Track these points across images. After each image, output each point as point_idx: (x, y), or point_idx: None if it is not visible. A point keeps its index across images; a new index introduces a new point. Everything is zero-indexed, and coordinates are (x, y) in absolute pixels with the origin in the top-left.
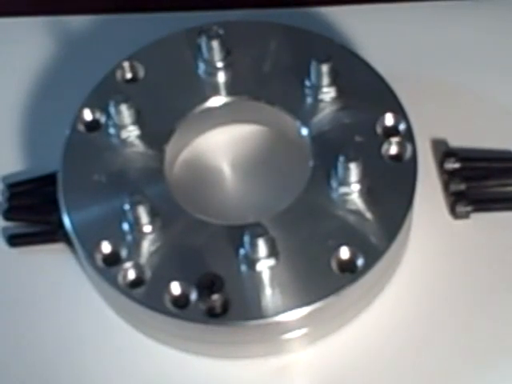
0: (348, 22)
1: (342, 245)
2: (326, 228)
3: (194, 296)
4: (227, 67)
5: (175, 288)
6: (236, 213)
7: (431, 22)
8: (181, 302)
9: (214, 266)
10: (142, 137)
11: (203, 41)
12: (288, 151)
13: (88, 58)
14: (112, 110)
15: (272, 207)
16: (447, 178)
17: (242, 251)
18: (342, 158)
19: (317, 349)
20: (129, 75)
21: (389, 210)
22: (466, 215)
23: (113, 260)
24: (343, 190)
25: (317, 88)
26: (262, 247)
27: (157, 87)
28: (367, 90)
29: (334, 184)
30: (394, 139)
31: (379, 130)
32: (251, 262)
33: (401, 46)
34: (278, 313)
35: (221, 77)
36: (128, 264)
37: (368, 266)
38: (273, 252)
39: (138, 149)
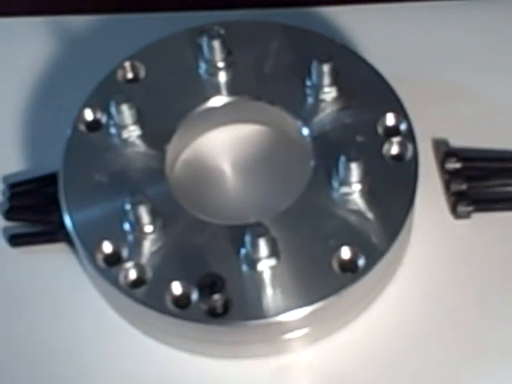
0: (349, 21)
1: (343, 245)
2: (327, 228)
3: (195, 296)
4: (228, 67)
5: (176, 288)
6: (237, 213)
7: (431, 22)
8: (182, 302)
9: (215, 265)
10: (143, 137)
11: (204, 41)
12: (289, 151)
13: (89, 57)
14: (113, 109)
15: (273, 207)
16: (448, 177)
17: (243, 251)
18: (343, 158)
19: (318, 349)
20: (130, 75)
21: (390, 209)
22: (467, 215)
23: (114, 260)
24: (344, 189)
25: (318, 88)
26: (263, 247)
27: (158, 87)
28: (368, 90)
29: (335, 184)
30: (395, 139)
31: (380, 129)
32: (252, 261)
33: (402, 46)
34: (278, 313)
35: (222, 77)
36: (129, 264)
37: (369, 265)
38: (274, 252)
39: (139, 149)
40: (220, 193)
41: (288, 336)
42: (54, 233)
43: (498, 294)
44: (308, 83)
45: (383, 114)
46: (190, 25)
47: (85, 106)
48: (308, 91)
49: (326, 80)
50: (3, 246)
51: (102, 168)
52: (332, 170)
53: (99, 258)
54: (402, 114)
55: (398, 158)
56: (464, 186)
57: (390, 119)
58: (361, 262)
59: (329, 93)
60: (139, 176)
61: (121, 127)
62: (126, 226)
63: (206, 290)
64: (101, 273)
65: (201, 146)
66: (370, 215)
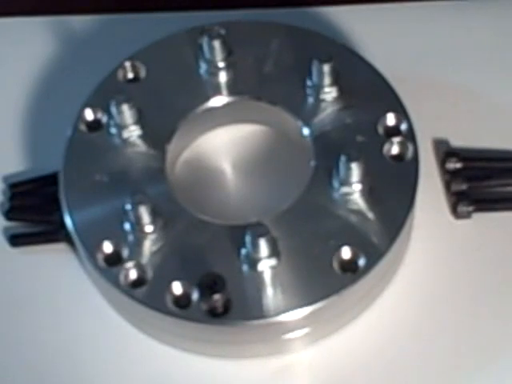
0: (349, 21)
1: (343, 245)
2: (327, 228)
3: (195, 296)
4: (229, 67)
5: (177, 288)
6: (237, 212)
7: (432, 22)
8: (182, 302)
9: (216, 265)
10: (143, 137)
11: (205, 41)
12: (290, 151)
13: (89, 57)
14: (113, 109)
15: (273, 207)
16: (449, 177)
17: (243, 251)
18: (343, 158)
19: (318, 349)
20: (130, 75)
21: (390, 209)
22: (467, 215)
23: (114, 260)
24: (345, 189)
25: (318, 88)
26: (263, 247)
27: (158, 87)
28: (369, 90)
29: (335, 184)
30: (396, 139)
31: (381, 129)
32: (253, 261)
33: (402, 46)
34: (279, 313)
35: (222, 77)
36: (129, 264)
37: (369, 265)
38: (274, 252)
39: (140, 149)
40: (220, 193)
41: (288, 336)
42: (54, 233)
43: (499, 293)
44: (308, 83)
45: (384, 114)
46: (190, 25)
47: (85, 105)
48: (308, 91)
49: (327, 80)
50: (4, 246)
51: (103, 168)
52: (332, 170)
53: (99, 257)
54: (402, 114)
55: (399, 158)
56: (464, 186)
57: (391, 119)
58: (361, 261)
59: (329, 93)
60: (140, 176)
61: (121, 127)
62: (127, 226)
63: (206, 290)
64: (101, 273)
65: (201, 145)
66: (370, 215)
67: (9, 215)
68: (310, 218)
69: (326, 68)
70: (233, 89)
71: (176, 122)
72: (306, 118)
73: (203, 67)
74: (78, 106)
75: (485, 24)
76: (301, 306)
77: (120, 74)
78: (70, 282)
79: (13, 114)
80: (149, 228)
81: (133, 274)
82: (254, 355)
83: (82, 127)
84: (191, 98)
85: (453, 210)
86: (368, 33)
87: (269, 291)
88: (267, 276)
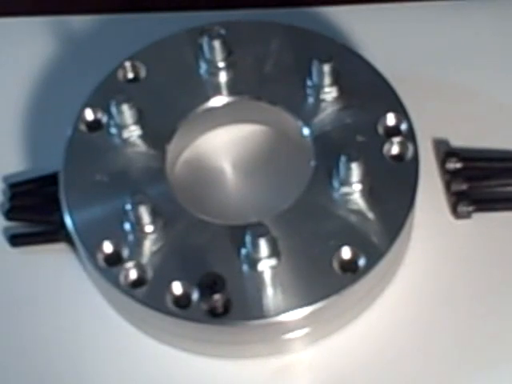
0: (349, 21)
1: (343, 245)
2: (327, 228)
3: (195, 296)
4: (229, 67)
5: (177, 288)
6: (237, 212)
7: (431, 22)
8: (182, 302)
9: (216, 265)
10: (143, 137)
11: (205, 41)
12: (290, 151)
13: (89, 57)
14: (114, 109)
15: (274, 207)
16: (449, 177)
17: (243, 251)
18: (343, 158)
19: (318, 349)
20: (130, 75)
21: (390, 209)
22: (467, 215)
23: (114, 260)
24: (345, 189)
25: (318, 88)
26: (263, 247)
27: (158, 87)
28: (369, 90)
29: (335, 184)
30: (396, 139)
31: (381, 129)
32: (253, 261)
33: (402, 46)
34: (279, 313)
35: (222, 77)
36: (130, 264)
37: (369, 266)
38: (274, 252)
39: (140, 149)
40: (220, 193)
41: (288, 336)
42: (54, 233)
43: (499, 293)
44: (308, 83)
45: (384, 114)
46: (190, 25)
47: (85, 105)
48: (308, 91)
49: (327, 80)
50: (4, 246)
51: (103, 168)
52: (332, 170)
53: (100, 257)
54: (402, 114)
55: (399, 158)
56: (464, 186)
57: (391, 119)
58: (361, 262)
59: (329, 93)
60: (140, 176)
61: (121, 127)
62: (127, 226)
63: (206, 290)
64: (101, 273)
65: (201, 145)
66: (370, 215)
67: (9, 215)
68: (309, 218)
69: (326, 68)
70: (233, 89)
71: (176, 122)
72: (306, 118)
73: (203, 67)
74: (78, 106)
75: (485, 24)
76: (301, 306)
77: (120, 73)
78: (70, 282)
79: (13, 113)
80: (149, 228)
81: (133, 274)
82: (254, 355)
83: (82, 127)
84: (191, 98)
85: (453, 210)
86: (368, 33)
87: (269, 291)
88: (267, 276)
